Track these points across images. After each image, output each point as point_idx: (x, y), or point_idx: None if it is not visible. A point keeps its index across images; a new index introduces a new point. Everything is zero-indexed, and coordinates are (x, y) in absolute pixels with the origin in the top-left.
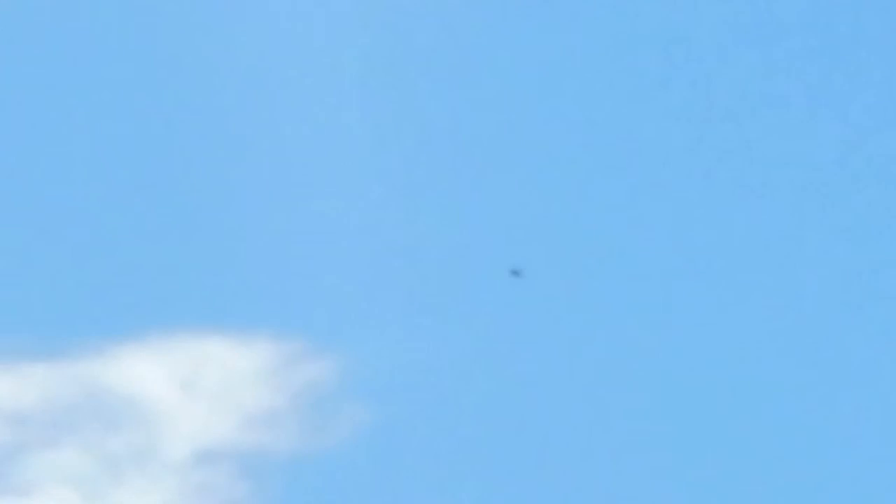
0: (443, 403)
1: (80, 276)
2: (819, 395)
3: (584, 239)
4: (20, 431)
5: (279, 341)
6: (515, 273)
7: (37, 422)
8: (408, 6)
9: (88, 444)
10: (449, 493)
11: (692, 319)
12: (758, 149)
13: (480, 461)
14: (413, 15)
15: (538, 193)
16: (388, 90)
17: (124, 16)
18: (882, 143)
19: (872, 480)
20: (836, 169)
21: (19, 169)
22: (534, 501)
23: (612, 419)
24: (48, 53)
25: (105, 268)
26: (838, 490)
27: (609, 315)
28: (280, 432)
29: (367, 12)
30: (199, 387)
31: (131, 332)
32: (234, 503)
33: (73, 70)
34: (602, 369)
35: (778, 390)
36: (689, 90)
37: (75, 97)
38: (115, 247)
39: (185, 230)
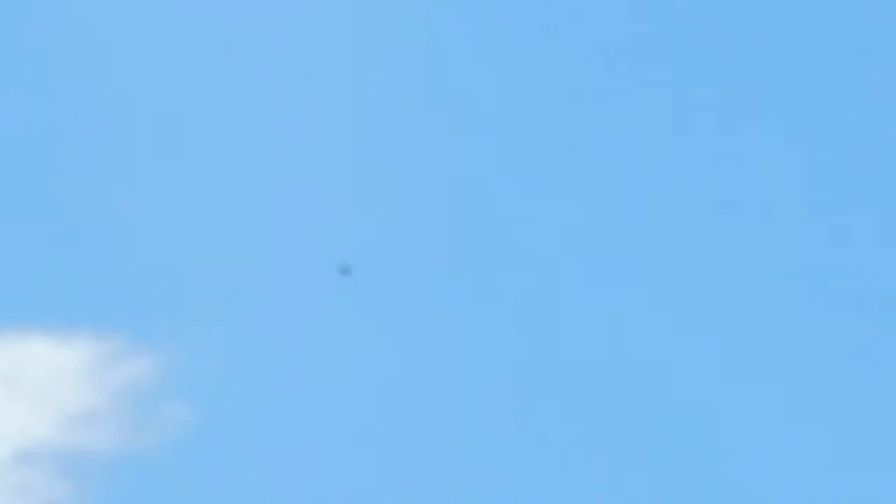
0: (265, 402)
1: None
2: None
3: (414, 236)
4: None
5: (100, 339)
6: (344, 271)
7: None
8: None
9: None
10: (272, 492)
11: (530, 318)
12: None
13: (304, 459)
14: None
15: (368, 192)
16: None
17: None
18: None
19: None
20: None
21: None
22: (361, 497)
23: (443, 415)
24: None
25: None
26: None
27: (443, 313)
28: (100, 432)
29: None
30: (18, 386)
31: None
32: (55, 503)
33: None
34: (434, 366)
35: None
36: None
37: None
38: None
39: (3, 229)
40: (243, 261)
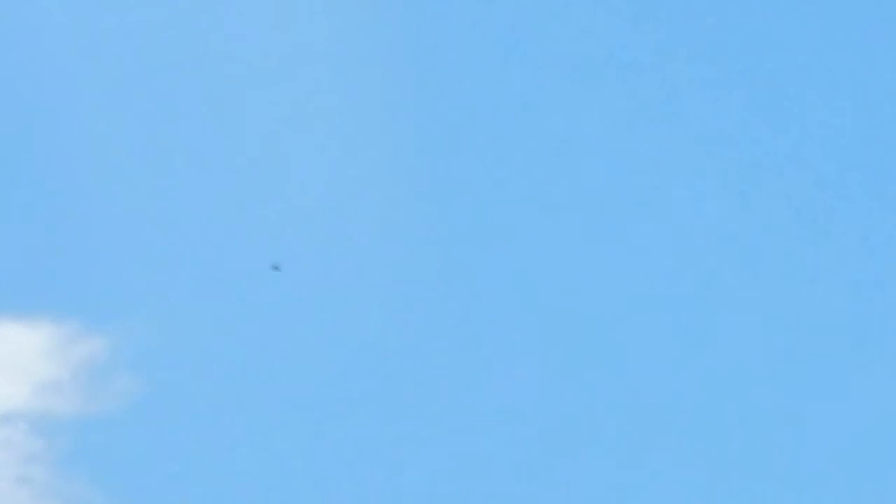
0: (201, 374)
1: None
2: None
3: (343, 233)
4: None
5: (61, 322)
6: (275, 268)
7: None
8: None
9: None
10: (206, 448)
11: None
12: None
13: (234, 423)
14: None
15: (296, 188)
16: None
17: None
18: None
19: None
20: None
21: None
22: (295, 463)
23: (359, 396)
24: None
25: None
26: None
27: (369, 304)
28: (65, 399)
29: None
30: None
31: None
32: (30, 456)
33: None
34: (362, 352)
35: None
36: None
37: None
38: None
39: None
40: (186, 252)
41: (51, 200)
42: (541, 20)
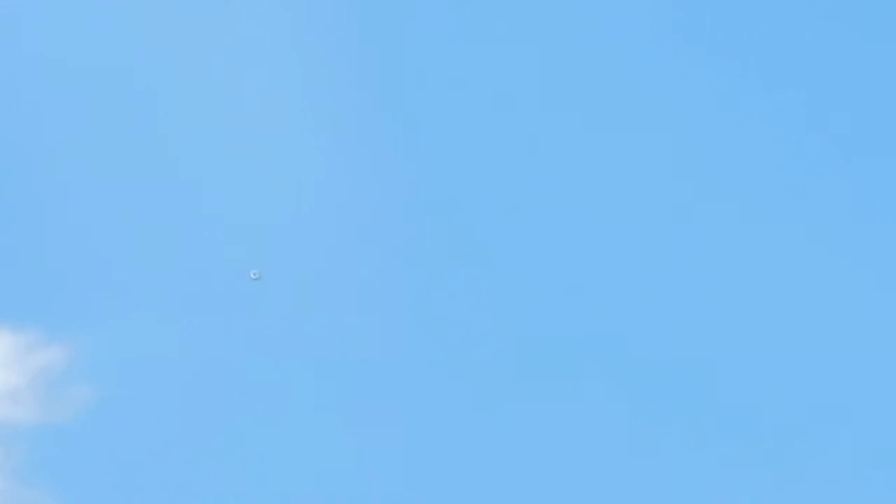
0: (154, 386)
1: None
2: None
3: (317, 243)
4: None
5: (18, 332)
6: (255, 278)
7: None
8: None
9: None
10: (157, 458)
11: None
12: None
13: (186, 434)
14: None
15: (265, 194)
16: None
17: None
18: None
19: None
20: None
21: None
22: (256, 474)
23: (341, 412)
24: None
25: None
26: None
27: (346, 316)
28: (23, 408)
29: None
30: None
31: None
32: None
33: None
34: (335, 366)
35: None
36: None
37: None
38: None
39: None
40: (148, 262)
41: (8, 208)
42: (519, 18)
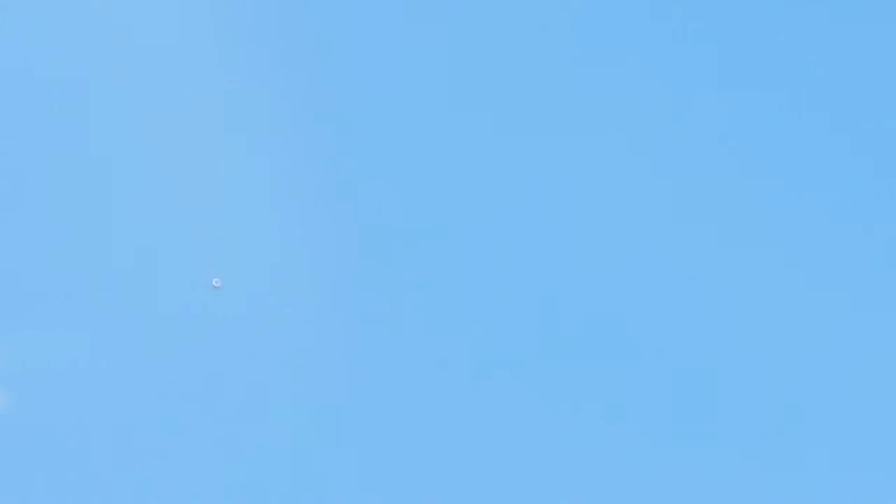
0: (82, 393)
1: None
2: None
3: (282, 249)
4: None
5: None
6: (215, 287)
7: None
8: None
9: None
10: (72, 468)
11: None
12: None
13: (100, 442)
14: None
15: (243, 204)
16: None
17: None
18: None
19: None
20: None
21: None
22: (185, 487)
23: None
24: None
25: None
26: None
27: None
28: None
29: None
30: None
31: None
32: None
33: None
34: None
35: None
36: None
37: None
38: None
39: None
40: (69, 265)
41: None
42: (512, 16)
